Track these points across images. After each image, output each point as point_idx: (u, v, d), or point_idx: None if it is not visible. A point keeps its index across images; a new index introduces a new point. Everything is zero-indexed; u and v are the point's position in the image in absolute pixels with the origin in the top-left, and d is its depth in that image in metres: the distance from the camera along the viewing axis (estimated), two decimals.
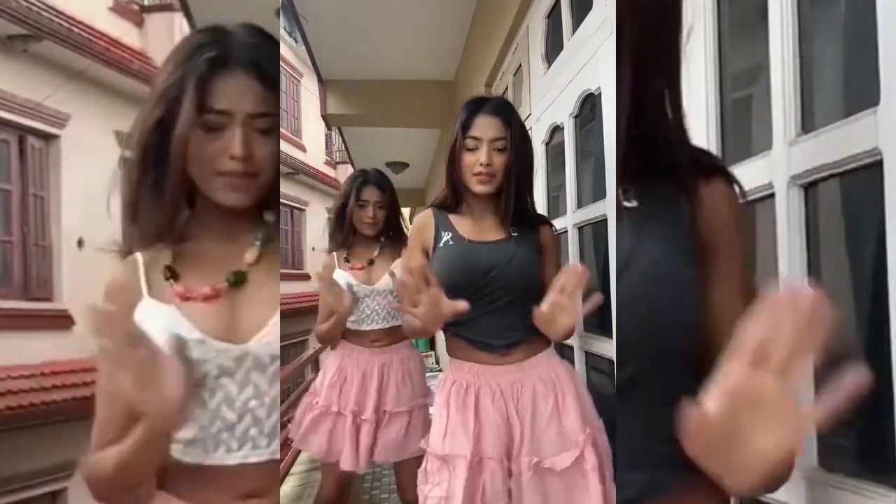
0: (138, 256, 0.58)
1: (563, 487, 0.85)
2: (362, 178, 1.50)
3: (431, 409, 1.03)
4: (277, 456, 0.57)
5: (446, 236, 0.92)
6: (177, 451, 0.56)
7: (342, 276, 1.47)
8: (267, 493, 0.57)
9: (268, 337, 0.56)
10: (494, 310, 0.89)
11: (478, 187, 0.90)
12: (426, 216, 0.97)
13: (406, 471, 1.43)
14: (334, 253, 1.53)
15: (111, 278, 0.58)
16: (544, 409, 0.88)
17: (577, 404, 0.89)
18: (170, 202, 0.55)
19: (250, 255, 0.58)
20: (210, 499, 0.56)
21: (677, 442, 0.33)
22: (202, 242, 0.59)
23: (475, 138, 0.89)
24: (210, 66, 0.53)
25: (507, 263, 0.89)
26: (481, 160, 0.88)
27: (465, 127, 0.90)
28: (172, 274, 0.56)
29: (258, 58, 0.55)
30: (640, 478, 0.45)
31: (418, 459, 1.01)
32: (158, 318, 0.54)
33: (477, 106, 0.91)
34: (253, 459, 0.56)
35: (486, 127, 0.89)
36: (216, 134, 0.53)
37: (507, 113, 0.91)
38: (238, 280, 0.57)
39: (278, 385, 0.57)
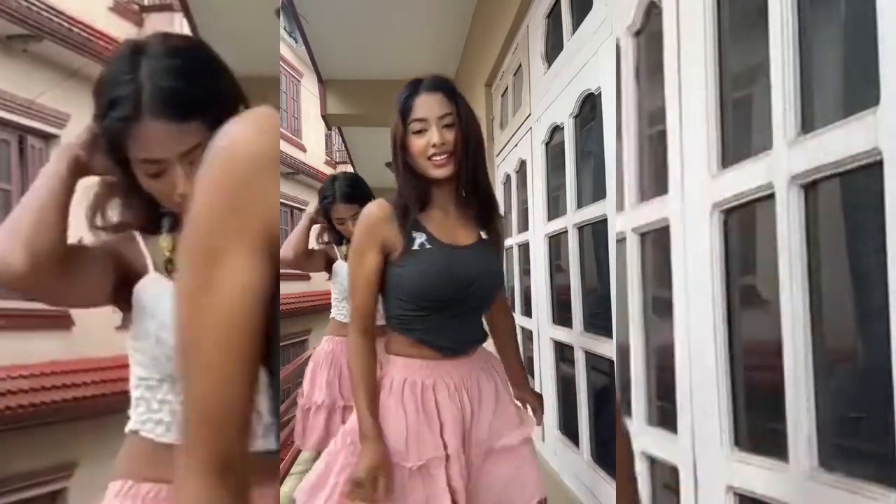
0: (136, 234, 0.59)
1: (509, 465, 0.89)
2: (330, 198, 1.47)
3: None
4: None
5: (419, 238, 0.83)
6: (157, 433, 0.56)
7: (345, 269, 1.49)
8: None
9: None
10: (461, 316, 0.87)
11: (436, 171, 0.82)
12: (380, 208, 0.85)
13: None
14: (328, 247, 1.55)
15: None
16: (489, 395, 0.90)
17: (507, 387, 0.95)
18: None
19: None
20: None
21: None
22: None
23: (421, 120, 0.81)
24: (124, 124, 0.52)
25: (485, 275, 0.87)
26: (433, 140, 0.80)
27: (406, 111, 0.82)
28: (173, 264, 0.58)
29: (171, 96, 0.51)
30: None
31: None
32: (168, 300, 0.55)
33: (414, 87, 0.84)
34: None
35: (429, 105, 0.81)
36: (160, 177, 0.54)
37: (447, 87, 0.84)
38: None
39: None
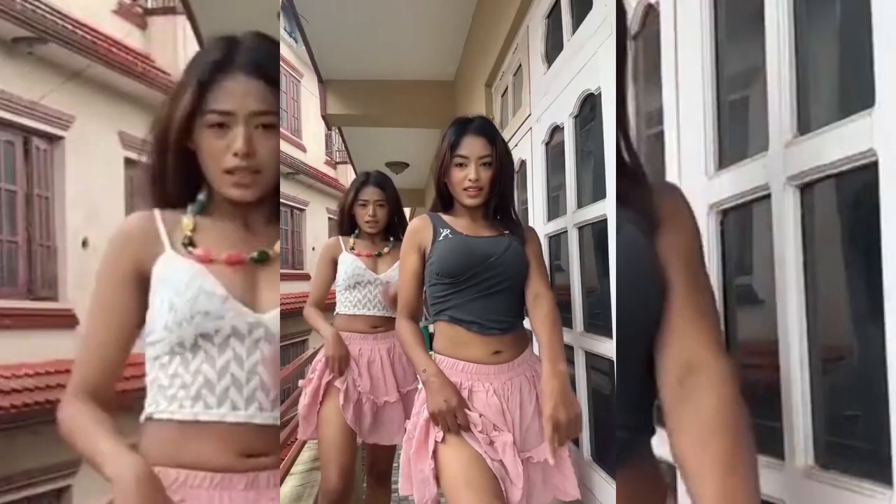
0: (156, 212, 0.61)
1: (543, 474, 0.95)
2: (363, 180, 1.55)
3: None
4: (279, 422, 0.60)
5: (444, 231, 1.00)
6: (170, 411, 0.56)
7: (349, 260, 1.50)
8: (268, 454, 0.58)
9: (276, 315, 0.60)
10: (491, 294, 0.96)
11: (468, 201, 1.00)
12: (422, 220, 1.05)
13: (386, 449, 1.54)
14: (339, 238, 1.55)
15: (123, 225, 0.61)
16: (529, 406, 0.95)
17: None
18: (174, 180, 0.62)
19: (277, 246, 0.64)
20: (206, 458, 0.56)
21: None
22: (219, 223, 0.63)
23: (463, 157, 0.98)
24: (212, 70, 0.58)
25: (503, 252, 0.98)
26: (470, 176, 0.98)
27: (454, 146, 0.99)
28: (191, 243, 0.61)
29: (260, 60, 0.58)
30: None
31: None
32: (184, 272, 0.58)
33: (463, 127, 1.01)
34: (258, 420, 0.57)
35: (472, 146, 0.98)
36: (222, 132, 0.58)
37: (490, 132, 1.01)
38: (261, 258, 0.61)
39: (279, 361, 0.60)
